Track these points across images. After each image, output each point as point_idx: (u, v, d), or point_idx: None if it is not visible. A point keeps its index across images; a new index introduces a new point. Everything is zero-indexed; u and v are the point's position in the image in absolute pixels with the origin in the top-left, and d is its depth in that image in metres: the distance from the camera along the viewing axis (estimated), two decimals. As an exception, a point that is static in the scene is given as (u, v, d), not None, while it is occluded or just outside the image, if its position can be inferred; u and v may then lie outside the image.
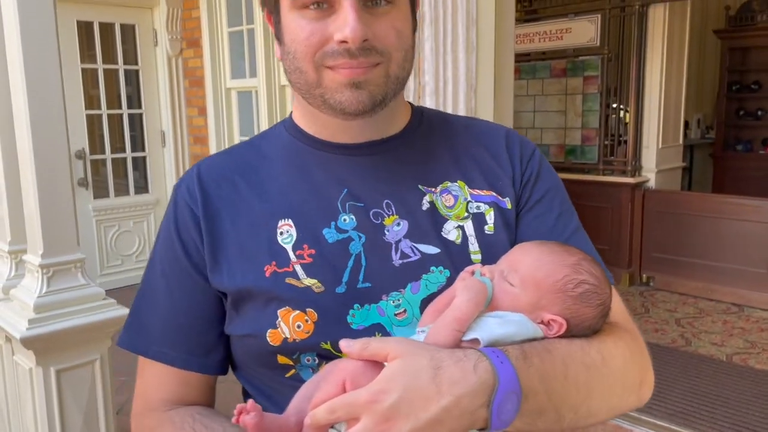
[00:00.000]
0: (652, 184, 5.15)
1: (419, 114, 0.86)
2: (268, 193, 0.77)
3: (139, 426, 0.80)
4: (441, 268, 0.73)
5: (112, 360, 2.41)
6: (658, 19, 4.94)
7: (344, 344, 0.63)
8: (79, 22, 4.84)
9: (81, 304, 2.19)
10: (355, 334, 0.69)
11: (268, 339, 0.71)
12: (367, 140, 0.79)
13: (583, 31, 5.16)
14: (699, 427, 2.94)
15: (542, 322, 0.67)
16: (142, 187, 5.46)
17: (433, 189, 0.78)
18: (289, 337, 0.70)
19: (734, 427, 2.95)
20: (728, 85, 7.04)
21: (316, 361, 0.72)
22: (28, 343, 2.07)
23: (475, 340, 0.63)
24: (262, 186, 0.78)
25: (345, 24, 0.68)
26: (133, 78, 5.32)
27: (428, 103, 3.15)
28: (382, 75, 0.72)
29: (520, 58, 5.63)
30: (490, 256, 0.76)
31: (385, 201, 0.76)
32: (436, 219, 0.76)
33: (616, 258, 5.23)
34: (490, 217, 0.78)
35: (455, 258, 0.74)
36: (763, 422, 2.98)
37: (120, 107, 5.24)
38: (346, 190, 0.77)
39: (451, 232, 0.76)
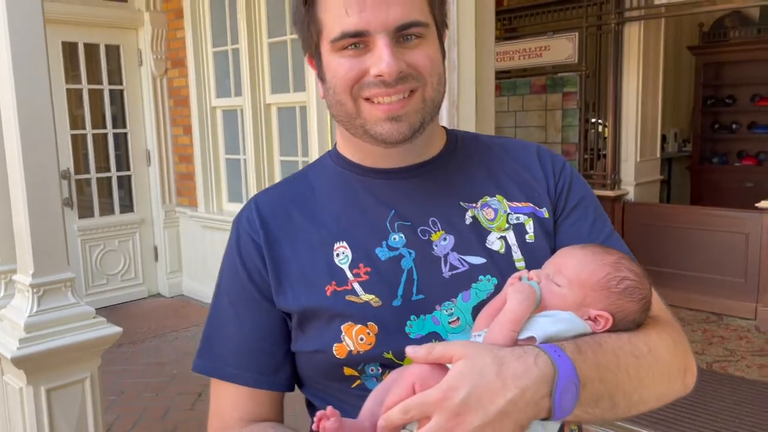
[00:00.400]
0: (631, 196, 5.26)
1: (454, 137, 0.92)
2: (321, 220, 0.84)
3: None
4: (489, 276, 0.79)
5: (102, 379, 2.42)
6: (633, 36, 5.08)
7: (410, 350, 0.67)
8: (63, 43, 4.87)
9: (71, 323, 2.21)
10: (414, 343, 0.73)
11: (334, 353, 0.77)
12: (407, 164, 0.85)
13: (561, 48, 5.28)
14: (681, 434, 3.01)
15: (589, 318, 0.73)
16: (127, 206, 5.47)
17: (474, 204, 0.84)
18: (353, 349, 0.76)
19: (715, 433, 3.02)
20: (703, 99, 7.21)
21: (380, 371, 0.77)
22: (18, 362, 2.08)
23: (531, 338, 0.68)
24: (315, 214, 0.84)
25: (381, 60, 0.74)
26: (117, 98, 5.34)
27: (412, 120, 3.22)
28: (419, 101, 0.79)
29: (501, 75, 5.74)
30: (533, 262, 0.81)
31: (431, 219, 0.82)
32: (480, 232, 0.82)
33: (598, 270, 5.32)
34: (530, 226, 0.84)
35: (501, 266, 0.80)
36: (743, 427, 3.06)
37: (105, 127, 5.26)
38: (393, 211, 0.83)
39: (494, 242, 0.82)
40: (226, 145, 5.10)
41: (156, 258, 5.60)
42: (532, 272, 0.77)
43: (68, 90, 4.96)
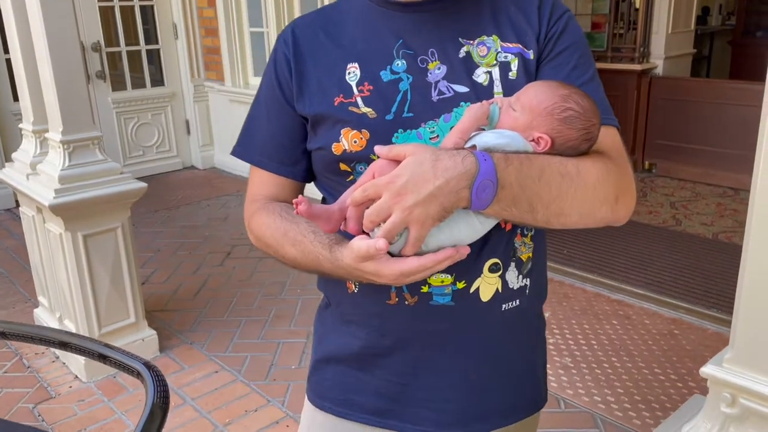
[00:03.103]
0: (660, 71, 5.15)
1: None
2: (341, 43, 0.98)
3: (246, 209, 1.05)
4: (469, 103, 0.90)
5: (133, 230, 2.68)
6: None
7: (377, 148, 0.83)
8: None
9: (100, 177, 2.44)
10: None
11: (333, 150, 0.93)
12: (421, 0, 0.96)
13: None
14: (673, 294, 3.18)
15: (533, 140, 0.85)
16: (158, 80, 5.62)
17: (471, 41, 0.95)
18: (347, 149, 0.92)
19: (707, 295, 3.18)
20: (753, -33, 6.79)
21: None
22: (56, 210, 2.34)
23: (473, 146, 0.83)
24: (338, 37, 0.99)
25: None
26: (142, -31, 5.35)
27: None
28: None
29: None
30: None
31: (431, 50, 0.94)
32: (470, 65, 0.93)
33: (620, 145, 5.32)
34: (515, 65, 0.94)
35: (481, 96, 0.91)
36: (731, 290, 3.20)
37: (131, -1, 5.32)
38: (401, 40, 0.95)
39: (480, 75, 0.93)
40: (249, 19, 5.12)
41: (188, 131, 5.82)
42: (499, 98, 0.90)
43: (93, -39, 4.98)
